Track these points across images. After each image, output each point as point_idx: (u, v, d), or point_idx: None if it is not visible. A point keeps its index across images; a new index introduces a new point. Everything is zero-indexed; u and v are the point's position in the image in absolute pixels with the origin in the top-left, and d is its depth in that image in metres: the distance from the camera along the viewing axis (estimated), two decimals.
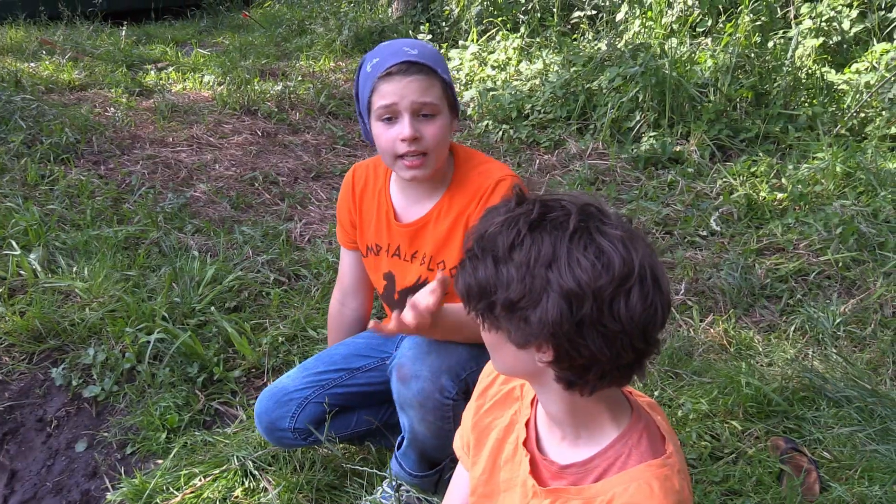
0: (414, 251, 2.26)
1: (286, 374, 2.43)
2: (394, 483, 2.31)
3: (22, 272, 3.56)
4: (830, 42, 6.23)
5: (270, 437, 2.41)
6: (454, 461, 2.30)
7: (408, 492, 2.27)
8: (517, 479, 1.48)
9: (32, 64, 7.29)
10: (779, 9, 6.51)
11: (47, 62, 7.31)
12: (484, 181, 2.13)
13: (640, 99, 5.70)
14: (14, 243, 3.70)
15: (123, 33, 8.60)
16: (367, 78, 2.08)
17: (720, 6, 6.60)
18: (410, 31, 8.30)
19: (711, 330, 3.40)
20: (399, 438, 2.27)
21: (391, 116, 2.05)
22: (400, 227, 2.26)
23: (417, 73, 2.02)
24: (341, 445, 2.52)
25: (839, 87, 5.77)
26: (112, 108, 6.14)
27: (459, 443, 1.70)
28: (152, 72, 7.51)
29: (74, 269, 3.59)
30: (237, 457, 2.54)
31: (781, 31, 6.26)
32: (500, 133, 6.01)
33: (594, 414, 1.38)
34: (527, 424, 1.51)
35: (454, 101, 2.13)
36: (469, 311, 1.33)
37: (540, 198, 1.29)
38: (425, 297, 1.87)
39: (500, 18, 7.94)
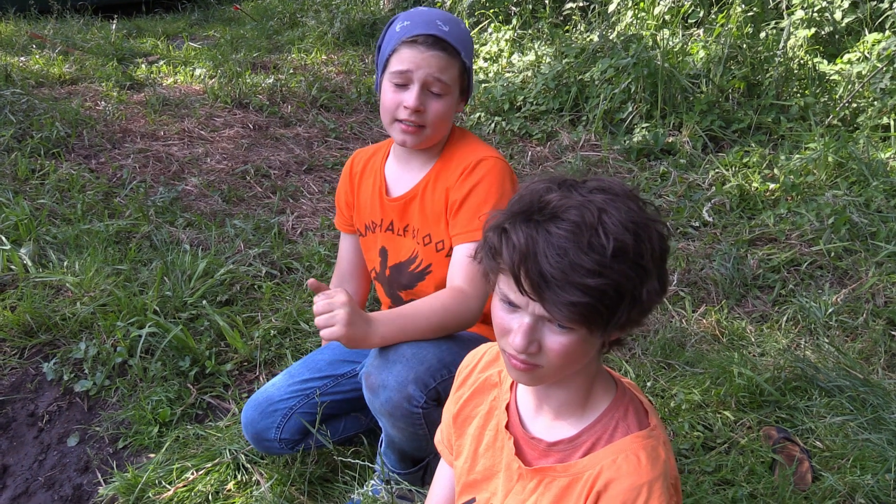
0: (405, 225, 2.27)
1: (272, 382, 2.42)
2: (383, 476, 2.31)
3: (12, 267, 3.55)
4: (822, 32, 6.23)
5: (258, 447, 2.42)
6: (438, 456, 2.31)
7: (398, 484, 2.27)
8: (500, 464, 1.49)
9: (22, 58, 7.26)
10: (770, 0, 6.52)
11: (37, 56, 7.27)
12: (467, 157, 2.15)
13: (632, 90, 5.69)
14: (4, 238, 3.69)
15: (114, 27, 8.56)
16: (392, 37, 2.11)
17: None
18: None
19: (704, 320, 3.40)
20: (381, 438, 2.28)
21: (403, 83, 2.08)
22: (390, 201, 2.28)
23: (441, 49, 2.05)
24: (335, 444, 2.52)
25: (831, 78, 5.77)
26: (103, 102, 6.12)
27: (440, 437, 1.70)
28: (143, 65, 7.48)
29: (65, 263, 3.58)
30: (229, 450, 2.54)
31: (773, 22, 6.26)
32: (493, 125, 6.00)
33: (593, 385, 1.40)
34: (507, 408, 1.51)
35: (468, 87, 2.18)
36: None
37: (564, 183, 1.28)
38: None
39: (491, 10, 7.93)
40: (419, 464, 2.27)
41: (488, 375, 1.59)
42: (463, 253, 2.09)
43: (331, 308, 1.91)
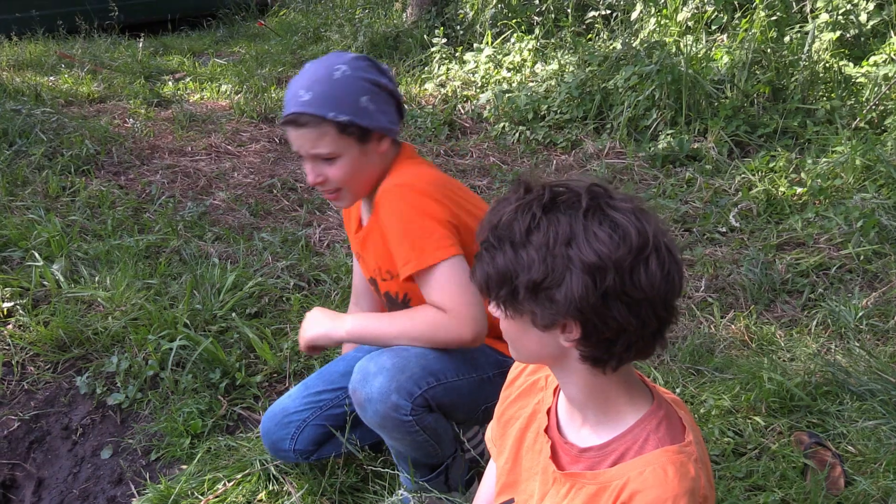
0: (367, 257, 2.31)
1: (288, 393, 2.48)
2: (412, 483, 2.32)
3: (45, 283, 3.60)
4: (847, 35, 6.18)
5: (276, 455, 2.47)
6: (455, 459, 2.32)
7: (428, 492, 2.28)
8: (538, 466, 1.50)
9: (52, 77, 7.36)
10: (794, 3, 6.47)
11: (66, 75, 7.38)
12: (381, 195, 2.11)
13: (656, 97, 5.68)
14: (37, 254, 3.74)
15: (141, 45, 8.65)
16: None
17: (735, 2, 6.57)
18: (425, 36, 8.30)
19: (732, 326, 3.39)
20: None
21: (302, 156, 2.11)
22: (355, 233, 2.35)
23: (305, 125, 2.02)
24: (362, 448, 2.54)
25: (857, 81, 5.73)
26: (131, 119, 6.19)
27: (490, 434, 1.72)
28: (170, 82, 7.57)
29: (97, 278, 3.62)
30: (260, 461, 2.56)
31: (798, 26, 6.23)
32: (517, 135, 6.01)
33: (613, 397, 1.40)
34: (548, 412, 1.52)
35: (363, 132, 2.07)
36: (490, 300, 1.37)
37: (547, 183, 1.33)
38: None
39: (514, 20, 7.94)
40: (436, 469, 2.28)
41: (536, 379, 1.61)
42: (422, 284, 2.05)
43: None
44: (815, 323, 3.36)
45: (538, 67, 7.02)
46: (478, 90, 7.00)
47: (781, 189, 4.56)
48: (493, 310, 1.39)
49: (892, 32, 6.00)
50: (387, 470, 2.44)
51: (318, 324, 2.23)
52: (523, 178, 1.36)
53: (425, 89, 7.17)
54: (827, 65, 5.81)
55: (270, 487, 2.50)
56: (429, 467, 2.27)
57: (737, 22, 6.42)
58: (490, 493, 1.75)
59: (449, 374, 2.08)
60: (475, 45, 7.91)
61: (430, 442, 2.12)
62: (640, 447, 1.35)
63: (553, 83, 6.52)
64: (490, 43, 7.71)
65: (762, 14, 5.89)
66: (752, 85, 5.62)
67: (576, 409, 1.44)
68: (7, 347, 3.26)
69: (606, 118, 5.98)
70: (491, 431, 1.72)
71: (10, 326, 3.36)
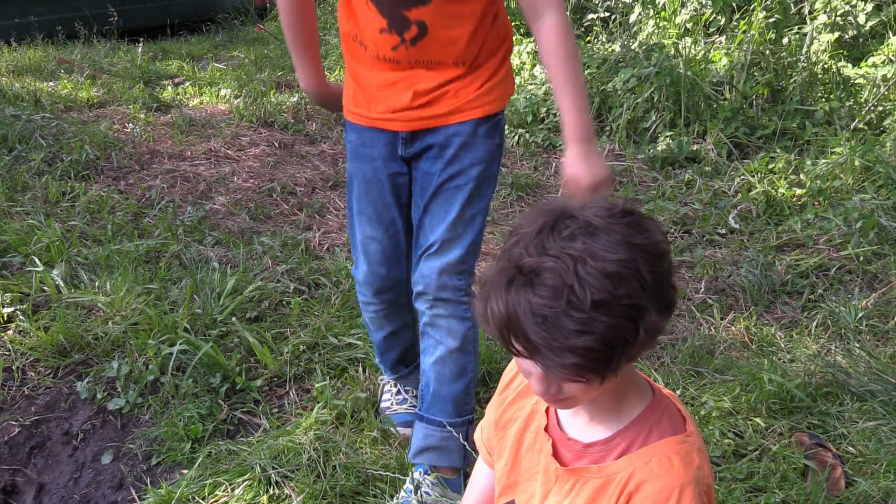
0: None
1: None
2: (410, 487, 2.33)
3: (45, 288, 3.60)
4: (846, 36, 6.19)
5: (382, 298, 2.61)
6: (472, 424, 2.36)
7: (427, 493, 2.29)
8: (539, 465, 1.50)
9: (51, 83, 7.36)
10: (792, 5, 6.48)
11: (66, 81, 7.38)
12: None
13: (655, 99, 5.69)
14: (37, 260, 3.74)
15: (140, 50, 8.66)
16: None
17: (733, 4, 6.58)
18: None
19: (732, 328, 3.39)
20: (420, 402, 2.43)
21: None
22: None
23: None
24: (364, 449, 2.54)
25: (856, 82, 5.73)
26: (130, 124, 6.19)
27: (481, 435, 1.72)
28: (169, 87, 7.56)
29: (97, 283, 3.63)
30: (261, 465, 2.56)
31: (796, 27, 6.24)
32: (517, 138, 6.01)
33: (625, 389, 1.40)
34: (546, 411, 1.52)
35: None
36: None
37: (544, 229, 1.23)
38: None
39: (514, 23, 7.94)
40: (465, 416, 2.40)
41: None
42: None
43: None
44: (815, 324, 3.36)
45: (537, 70, 7.02)
46: None
47: (781, 190, 4.56)
48: (570, 386, 1.28)
49: (890, 33, 6.01)
50: (387, 474, 2.45)
51: (595, 167, 2.22)
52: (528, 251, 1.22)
53: None
54: (825, 66, 5.82)
55: (271, 492, 2.50)
56: (463, 405, 2.38)
57: (735, 24, 6.43)
58: (477, 496, 1.76)
59: (482, 218, 2.33)
60: None
61: (471, 341, 2.28)
62: (645, 439, 1.37)
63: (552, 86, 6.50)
64: None
65: (760, 16, 5.89)
66: (751, 86, 5.62)
67: (584, 408, 1.44)
68: (7, 353, 3.26)
69: (605, 120, 5.99)
70: (481, 433, 1.72)
71: (10, 332, 3.37)
